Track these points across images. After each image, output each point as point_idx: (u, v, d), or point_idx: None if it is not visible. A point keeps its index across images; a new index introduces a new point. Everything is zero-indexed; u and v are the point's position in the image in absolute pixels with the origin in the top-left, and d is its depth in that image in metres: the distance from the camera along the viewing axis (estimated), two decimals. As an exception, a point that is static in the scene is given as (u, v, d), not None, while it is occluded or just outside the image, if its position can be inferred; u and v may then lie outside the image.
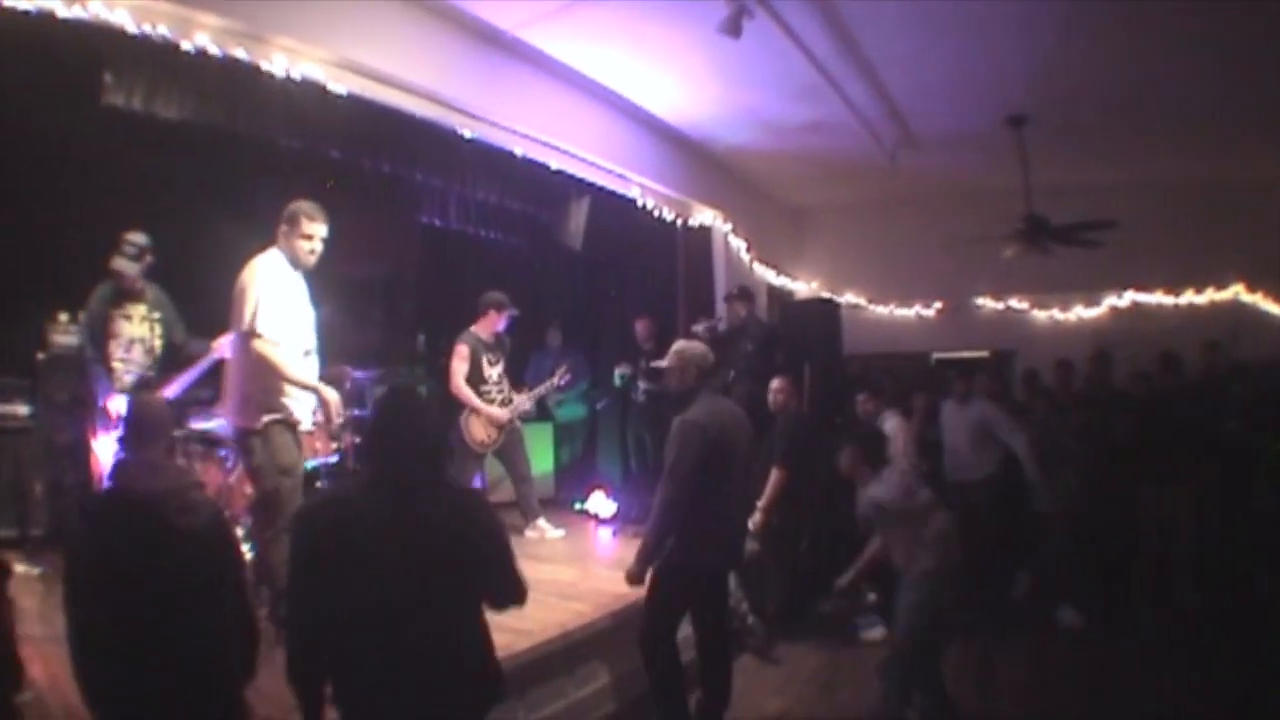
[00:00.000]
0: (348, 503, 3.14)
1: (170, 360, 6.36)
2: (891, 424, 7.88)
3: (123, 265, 6.11)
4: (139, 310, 6.24)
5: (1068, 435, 8.64)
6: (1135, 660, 7.03)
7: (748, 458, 5.64)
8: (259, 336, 4.93)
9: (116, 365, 6.14)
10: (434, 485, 3.16)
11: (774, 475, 7.47)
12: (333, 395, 5.15)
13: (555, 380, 9.01)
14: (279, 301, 5.04)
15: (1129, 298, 12.40)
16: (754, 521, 7.24)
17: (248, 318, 4.94)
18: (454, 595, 3.08)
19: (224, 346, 5.93)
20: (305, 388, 5.09)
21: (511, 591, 3.36)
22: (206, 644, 3.25)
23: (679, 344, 5.71)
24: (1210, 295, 11.97)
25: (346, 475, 6.77)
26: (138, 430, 3.47)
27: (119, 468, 3.41)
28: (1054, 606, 8.09)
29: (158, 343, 6.32)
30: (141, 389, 6.05)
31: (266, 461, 5.05)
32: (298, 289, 5.36)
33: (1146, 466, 8.19)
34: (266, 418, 5.03)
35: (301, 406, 5.19)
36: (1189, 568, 8.16)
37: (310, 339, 5.42)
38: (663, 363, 5.60)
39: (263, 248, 5.23)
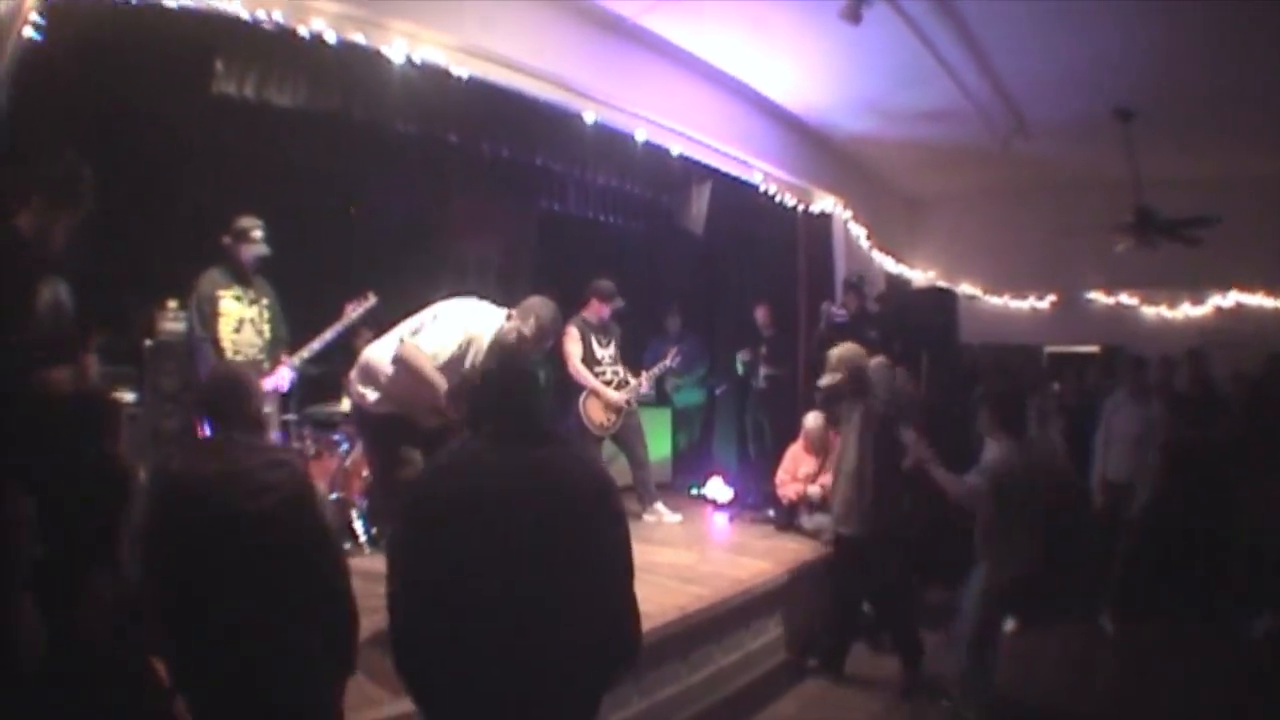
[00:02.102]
0: (462, 466, 3.01)
1: (275, 353, 6.35)
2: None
3: (260, 250, 6.16)
4: (249, 293, 6.23)
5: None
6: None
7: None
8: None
9: (226, 345, 6.09)
10: (542, 441, 3.03)
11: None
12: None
13: (667, 361, 8.98)
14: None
15: (1233, 298, 12.08)
16: None
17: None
18: (569, 559, 2.96)
19: (281, 377, 6.16)
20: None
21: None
22: (286, 638, 3.10)
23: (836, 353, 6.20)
24: None
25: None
26: (211, 406, 3.39)
27: (185, 447, 3.38)
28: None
29: (267, 328, 6.28)
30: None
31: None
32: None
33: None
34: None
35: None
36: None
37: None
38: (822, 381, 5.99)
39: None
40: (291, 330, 6.49)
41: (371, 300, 6.32)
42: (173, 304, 6.69)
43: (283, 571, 3.09)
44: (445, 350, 4.92)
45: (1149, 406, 8.05)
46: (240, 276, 6.20)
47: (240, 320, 6.18)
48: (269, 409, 5.88)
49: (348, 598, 3.33)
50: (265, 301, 6.31)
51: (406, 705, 3.70)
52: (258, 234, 6.14)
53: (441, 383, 4.85)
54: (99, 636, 2.87)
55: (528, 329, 4.98)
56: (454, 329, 5.02)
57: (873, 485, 6.22)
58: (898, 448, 6.22)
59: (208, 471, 3.08)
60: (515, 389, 3.08)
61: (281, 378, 6.20)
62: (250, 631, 3.02)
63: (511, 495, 2.85)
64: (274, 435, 6.25)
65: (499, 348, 5.03)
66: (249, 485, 3.06)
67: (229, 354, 6.04)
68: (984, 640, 5.33)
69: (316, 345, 6.40)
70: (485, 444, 3.01)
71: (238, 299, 6.17)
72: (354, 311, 6.27)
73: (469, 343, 5.01)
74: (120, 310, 6.71)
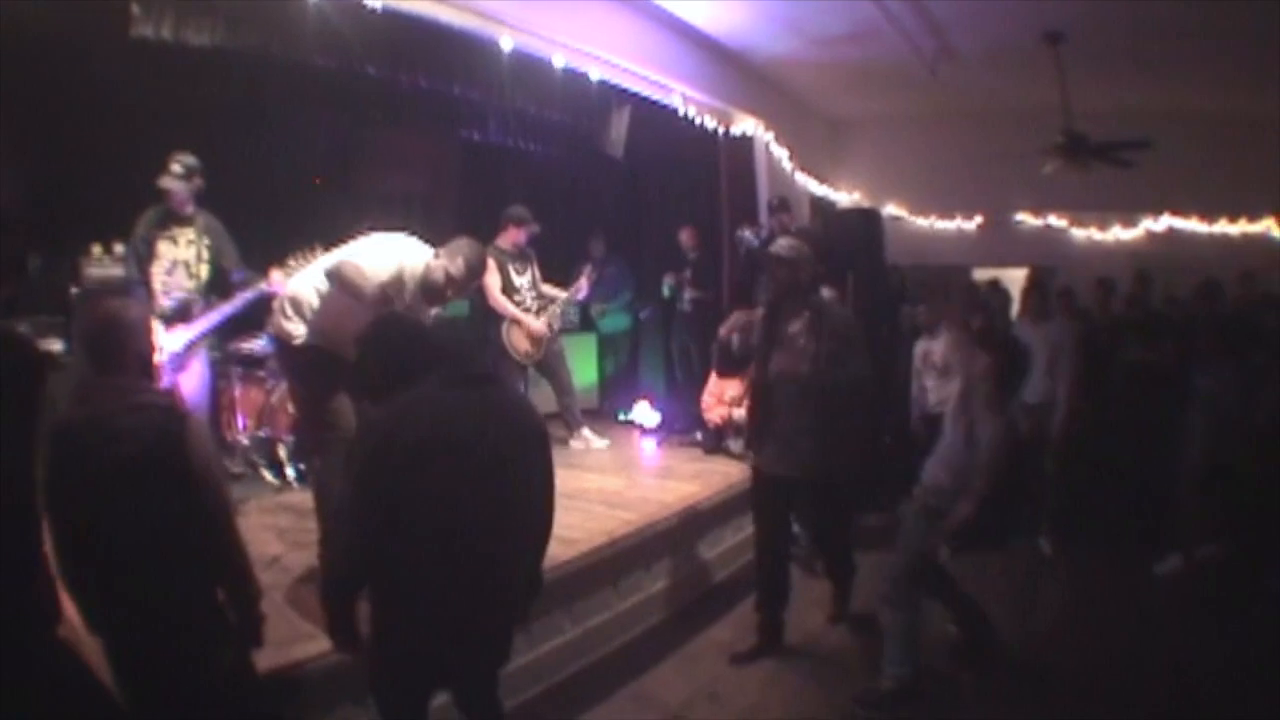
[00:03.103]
0: (432, 407, 3.10)
1: (218, 287, 6.29)
2: (947, 337, 7.73)
3: (170, 184, 6.04)
4: (185, 234, 6.18)
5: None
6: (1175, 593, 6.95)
7: None
8: None
9: (156, 287, 6.08)
10: (499, 381, 3.13)
11: None
12: None
13: (574, 289, 8.92)
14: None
15: (1165, 222, 12.43)
16: None
17: None
18: (520, 500, 3.10)
19: (277, 281, 5.93)
20: None
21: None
22: (174, 586, 3.07)
23: (791, 241, 5.71)
24: (1243, 226, 12.01)
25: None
26: (86, 348, 3.28)
27: (70, 395, 3.21)
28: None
29: (203, 268, 6.23)
30: (180, 314, 6.04)
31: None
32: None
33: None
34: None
35: None
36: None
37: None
38: (782, 252, 5.48)
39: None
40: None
41: (319, 253, 6.08)
42: (97, 250, 6.60)
43: (156, 520, 3.02)
44: (379, 274, 4.86)
45: (1048, 328, 8.01)
46: (175, 217, 6.15)
47: (173, 262, 6.14)
48: (168, 344, 5.86)
49: (234, 549, 3.25)
50: (206, 241, 6.24)
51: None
52: (175, 167, 6.07)
53: (376, 299, 4.81)
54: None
55: (454, 269, 4.93)
56: (387, 257, 4.95)
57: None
58: None
59: (77, 418, 3.06)
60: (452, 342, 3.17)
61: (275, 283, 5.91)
62: (141, 582, 3.02)
63: (474, 434, 3.01)
64: (199, 369, 6.27)
65: (424, 286, 4.99)
66: (108, 431, 2.99)
67: (158, 295, 6.01)
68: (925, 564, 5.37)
69: (230, 309, 6.21)
70: (438, 387, 3.11)
71: (173, 241, 6.13)
72: (298, 265, 6.11)
73: (400, 273, 4.97)
74: (46, 258, 6.62)
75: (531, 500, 3.18)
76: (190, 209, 6.21)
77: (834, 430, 5.29)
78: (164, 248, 6.12)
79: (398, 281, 4.95)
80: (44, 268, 6.77)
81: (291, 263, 5.99)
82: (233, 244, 6.44)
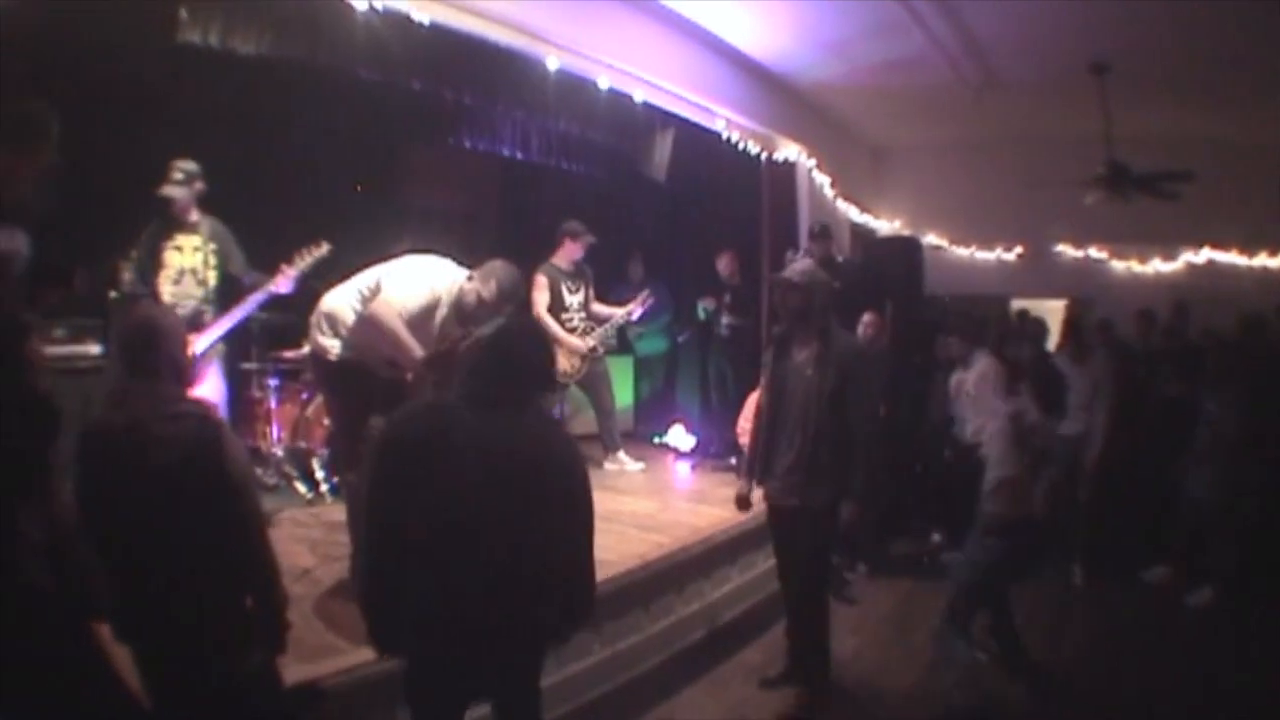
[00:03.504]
0: (435, 414, 3.09)
1: (228, 293, 6.29)
2: (983, 364, 7.63)
3: (171, 191, 6.05)
4: (191, 241, 6.18)
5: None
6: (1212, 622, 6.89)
7: None
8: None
9: (166, 298, 6.06)
10: (518, 408, 3.07)
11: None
12: None
13: (626, 311, 8.92)
14: None
15: (1205, 255, 12.29)
16: None
17: None
18: (530, 519, 3.02)
19: (283, 281, 6.03)
20: None
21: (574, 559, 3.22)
22: (206, 595, 3.07)
23: (807, 263, 5.55)
24: None
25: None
26: (121, 352, 3.32)
27: (105, 400, 3.23)
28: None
29: (211, 274, 6.23)
30: (191, 323, 5.98)
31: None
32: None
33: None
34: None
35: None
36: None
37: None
38: (794, 277, 5.29)
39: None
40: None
41: (324, 248, 6.14)
42: (135, 254, 6.63)
43: (191, 529, 3.04)
44: (411, 304, 4.89)
45: (1088, 363, 8.04)
46: (181, 223, 6.16)
47: (180, 271, 6.14)
48: (199, 351, 5.87)
49: (265, 557, 3.26)
50: (212, 247, 6.24)
51: (366, 654, 3.74)
52: (176, 174, 6.09)
53: (410, 340, 4.83)
54: (33, 577, 2.80)
55: (487, 292, 4.93)
56: (420, 284, 4.98)
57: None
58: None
59: (113, 425, 3.05)
60: (516, 356, 3.10)
61: (284, 283, 6.07)
62: (171, 588, 3.01)
63: (483, 457, 2.93)
64: (214, 379, 6.27)
65: (457, 309, 5.03)
66: (145, 438, 3.00)
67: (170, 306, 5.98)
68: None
69: (242, 313, 6.25)
70: (463, 402, 3.05)
71: (179, 249, 6.12)
72: (303, 261, 6.15)
73: (435, 300, 4.99)
74: (86, 262, 6.65)
75: (548, 524, 3.09)
76: (194, 215, 6.21)
77: (823, 468, 5.10)
78: (170, 257, 6.10)
79: (428, 311, 4.96)
80: (83, 273, 6.80)
81: (296, 259, 6.02)
82: (239, 248, 6.43)
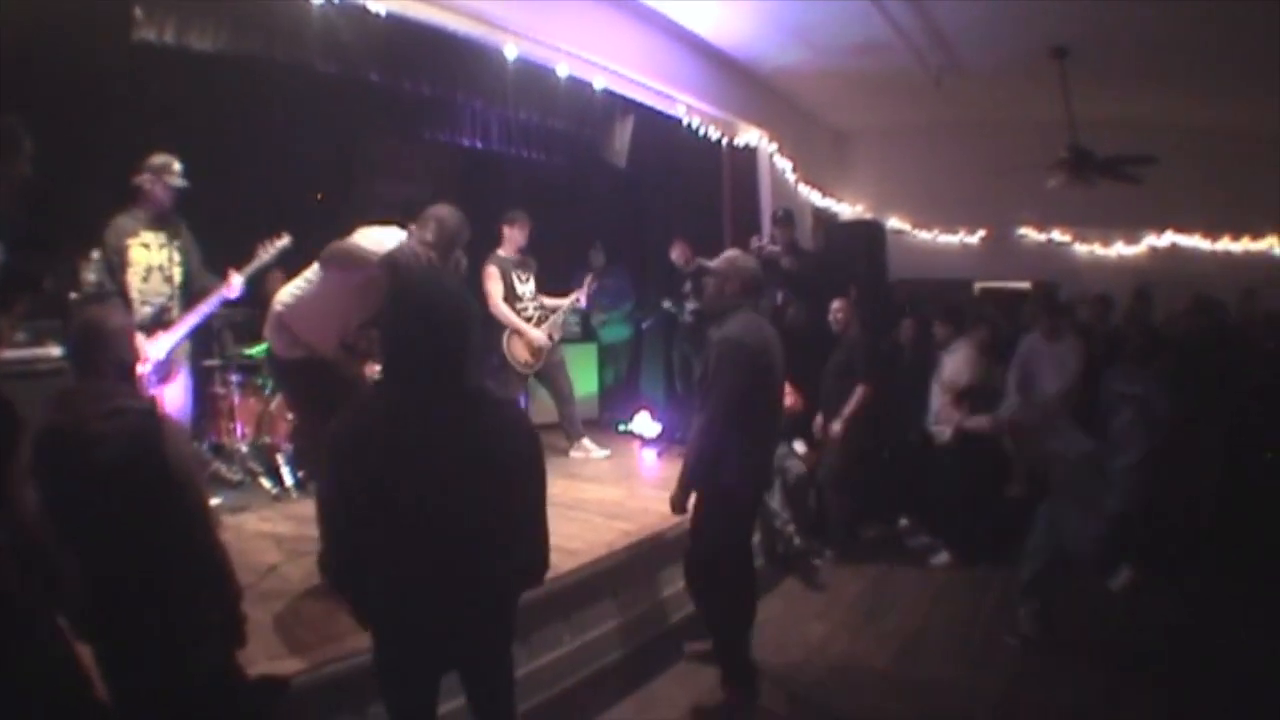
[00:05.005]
0: (380, 406, 3.01)
1: (190, 290, 6.20)
2: (964, 354, 7.67)
3: (156, 184, 5.96)
4: (157, 238, 6.07)
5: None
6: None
7: (782, 379, 5.28)
8: None
9: (134, 295, 5.96)
10: (453, 378, 2.96)
11: (860, 391, 7.48)
12: None
13: (574, 299, 8.88)
14: None
15: (1169, 238, 12.45)
16: (835, 434, 7.50)
17: None
18: (486, 489, 2.96)
19: (230, 288, 5.98)
20: None
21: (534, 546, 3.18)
22: (151, 602, 3.02)
23: (732, 253, 5.42)
24: (1246, 244, 12.04)
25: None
26: (72, 355, 3.33)
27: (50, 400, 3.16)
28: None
29: (177, 271, 6.13)
30: (158, 320, 5.96)
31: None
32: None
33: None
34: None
35: None
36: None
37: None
38: (711, 263, 5.26)
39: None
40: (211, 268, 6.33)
41: (285, 240, 6.09)
42: (96, 254, 6.53)
43: (136, 523, 3.00)
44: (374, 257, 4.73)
45: (1060, 346, 7.86)
46: (152, 219, 6.04)
47: (148, 268, 6.02)
48: (153, 353, 5.83)
49: (214, 550, 3.25)
50: (177, 243, 6.15)
51: (335, 650, 3.73)
52: (177, 167, 6.01)
53: (371, 257, 4.68)
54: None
55: (431, 235, 4.79)
56: (377, 245, 4.77)
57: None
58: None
59: (56, 424, 3.02)
60: (439, 329, 2.99)
61: (234, 288, 6.00)
62: (124, 586, 2.99)
63: (435, 438, 2.89)
64: (183, 377, 6.22)
65: (391, 264, 4.66)
66: (86, 436, 2.97)
67: (136, 304, 5.89)
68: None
69: (203, 312, 6.16)
70: (401, 394, 2.96)
71: (146, 246, 6.00)
72: (265, 253, 6.08)
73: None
74: (48, 264, 6.58)
75: (503, 492, 3.02)
76: (168, 211, 6.11)
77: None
78: (137, 254, 5.97)
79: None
80: (48, 276, 6.73)
81: (259, 252, 5.99)
82: (197, 248, 6.34)
